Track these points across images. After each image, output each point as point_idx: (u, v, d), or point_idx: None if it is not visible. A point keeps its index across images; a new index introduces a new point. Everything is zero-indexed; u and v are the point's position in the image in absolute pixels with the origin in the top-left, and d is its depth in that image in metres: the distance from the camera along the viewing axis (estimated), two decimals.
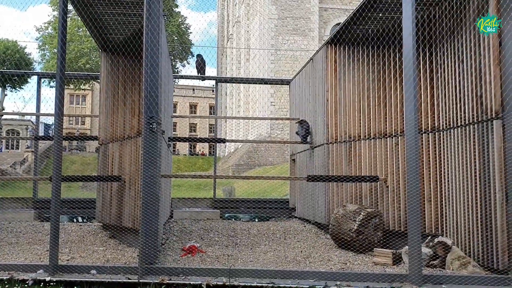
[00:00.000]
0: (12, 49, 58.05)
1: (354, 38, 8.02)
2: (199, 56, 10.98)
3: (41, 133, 63.46)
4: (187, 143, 65.30)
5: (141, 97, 7.39)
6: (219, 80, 11.71)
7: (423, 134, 6.88)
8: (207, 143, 68.64)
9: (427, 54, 7.00)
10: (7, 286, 5.13)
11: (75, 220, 9.64)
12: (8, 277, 5.35)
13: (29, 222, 9.62)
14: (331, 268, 5.88)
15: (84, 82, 54.14)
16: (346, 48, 8.30)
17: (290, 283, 5.15)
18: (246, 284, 5.15)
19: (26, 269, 5.62)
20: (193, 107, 79.79)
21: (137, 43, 6.81)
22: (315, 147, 9.00)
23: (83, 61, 47.33)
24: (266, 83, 12.83)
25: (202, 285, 5.17)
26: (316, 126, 8.99)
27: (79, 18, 7.07)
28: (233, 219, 9.85)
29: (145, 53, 5.58)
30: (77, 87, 57.08)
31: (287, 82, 11.50)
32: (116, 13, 6.65)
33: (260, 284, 5.14)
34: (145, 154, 5.54)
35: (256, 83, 15.55)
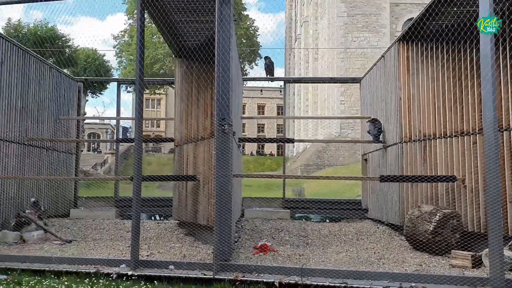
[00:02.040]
0: (92, 57, 61.91)
1: (427, 34, 7.75)
2: (267, 58, 11.12)
3: (119, 135, 66.73)
4: (256, 143, 66.19)
5: (213, 99, 7.65)
6: (287, 81, 11.77)
7: (503, 132, 6.51)
8: (275, 143, 69.24)
9: (507, 49, 6.60)
10: (94, 278, 5.54)
11: (153, 218, 10.13)
12: (94, 271, 5.78)
13: (111, 220, 10.25)
14: (405, 270, 5.73)
15: (159, 86, 56.58)
16: (419, 44, 8.04)
17: (364, 284, 5.10)
18: (319, 283, 5.18)
19: (110, 263, 6.02)
20: (261, 108, 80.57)
21: (209, 48, 7.05)
22: (387, 146, 8.79)
23: (158, 66, 49.42)
24: (336, 82, 12.73)
25: (275, 283, 5.26)
26: (388, 124, 8.78)
27: (155, 26, 7.40)
28: (304, 219, 9.85)
29: (217, 57, 5.77)
30: (152, 92, 59.66)
31: (357, 80, 11.33)
32: (190, 20, 6.93)
33: (333, 284, 5.14)
34: (217, 155, 5.72)
35: (326, 83, 15.44)
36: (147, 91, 57.15)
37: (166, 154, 55.64)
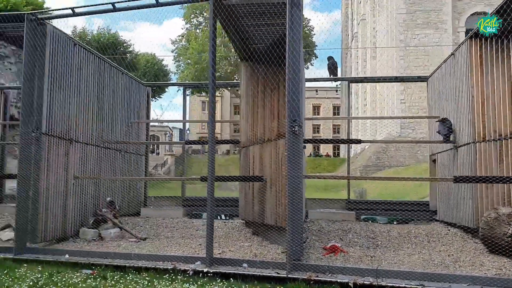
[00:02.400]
0: (151, 61, 64.30)
1: (501, 31, 7.43)
2: (330, 58, 11.08)
3: (175, 138, 68.45)
4: (311, 144, 65.70)
5: (280, 101, 7.75)
6: (351, 80, 11.67)
7: None
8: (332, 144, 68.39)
9: None
10: (172, 275, 5.79)
11: (219, 217, 10.38)
12: (172, 267, 6.04)
13: (179, 219, 10.61)
14: (485, 273, 5.54)
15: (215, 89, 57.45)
16: (493, 41, 7.73)
17: (441, 286, 5.00)
18: (394, 285, 5.13)
19: (185, 260, 6.27)
20: (316, 108, 79.97)
21: (275, 51, 7.15)
22: (459, 146, 8.50)
23: None
24: (401, 81, 12.44)
25: (349, 284, 5.26)
26: (459, 124, 8.49)
27: (224, 31, 7.61)
28: (370, 221, 9.73)
29: (288, 60, 5.85)
30: (207, 94, 60.66)
31: (424, 79, 11.02)
32: (258, 24, 7.07)
33: (409, 286, 5.08)
34: (289, 156, 5.80)
35: (391, 82, 15.12)
36: (204, 93, 58.40)
37: (221, 155, 56.63)
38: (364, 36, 48.15)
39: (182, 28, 74.02)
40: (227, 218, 10.53)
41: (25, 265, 6.24)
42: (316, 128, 77.50)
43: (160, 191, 15.72)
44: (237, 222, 9.63)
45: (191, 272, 5.90)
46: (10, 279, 5.51)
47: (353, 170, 31.46)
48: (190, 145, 53.64)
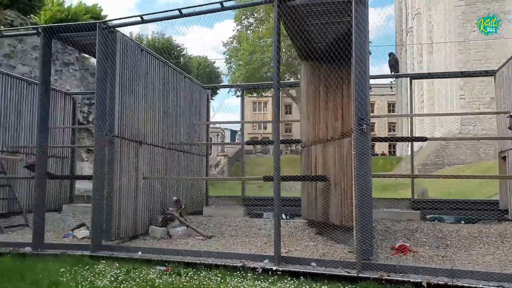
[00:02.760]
0: (203, 64, 65.68)
1: None
2: (391, 54, 10.88)
3: (227, 139, 69.43)
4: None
5: (342, 100, 7.71)
6: (413, 77, 11.38)
7: None
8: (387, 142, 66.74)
9: None
10: (242, 272, 5.92)
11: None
12: (241, 265, 6.17)
13: (240, 218, 10.79)
14: None
15: (265, 89, 57.77)
16: None
17: None
18: (471, 285, 4.99)
19: (253, 258, 6.38)
20: (370, 106, 78.43)
21: (337, 49, 7.12)
22: None
23: (265, 69, 50.64)
24: (467, 75, 11.99)
25: (423, 283, 5.17)
26: None
27: (286, 31, 7.67)
28: (436, 221, 9.45)
29: (355, 58, 5.82)
30: (259, 95, 61.01)
31: (491, 73, 10.57)
32: (321, 23, 7.07)
33: (487, 286, 4.92)
34: (358, 155, 5.77)
35: (456, 77, 14.60)
36: (255, 94, 58.82)
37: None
38: (420, 31, 46.65)
39: (233, 30, 74.94)
40: (288, 217, 10.58)
41: (103, 261, 6.58)
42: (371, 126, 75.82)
43: (217, 190, 16.02)
44: (299, 222, 9.65)
45: (260, 270, 6.00)
46: (92, 274, 5.83)
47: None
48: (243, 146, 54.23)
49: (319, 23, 7.09)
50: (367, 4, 5.93)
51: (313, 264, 6.00)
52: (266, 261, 6.26)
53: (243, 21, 58.16)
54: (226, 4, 6.69)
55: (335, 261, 5.98)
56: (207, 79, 61.26)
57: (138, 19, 7.33)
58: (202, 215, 11.13)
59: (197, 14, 6.85)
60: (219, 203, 12.07)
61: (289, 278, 5.65)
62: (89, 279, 5.58)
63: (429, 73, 13.50)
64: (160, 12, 7.07)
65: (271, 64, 51.19)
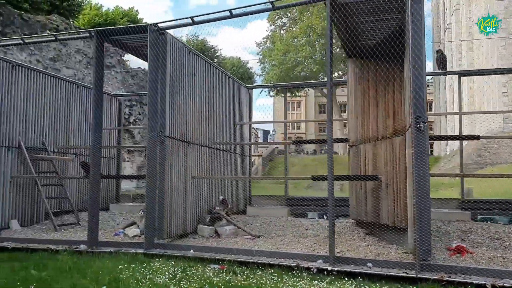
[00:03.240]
0: (236, 65, 66.14)
1: None
2: (439, 51, 10.64)
3: (260, 139, 69.73)
4: None
5: (394, 97, 7.58)
6: (462, 74, 11.09)
7: None
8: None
9: None
10: (296, 272, 5.91)
11: (324, 217, 10.37)
12: (294, 264, 6.15)
13: (285, 217, 10.77)
14: None
15: (299, 89, 57.47)
16: None
17: None
18: None
19: (306, 258, 6.35)
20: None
21: (387, 47, 7.00)
22: None
23: (299, 69, 50.45)
24: None
25: (487, 285, 5.03)
26: None
27: (336, 30, 7.59)
28: (489, 221, 9.17)
29: (411, 55, 5.71)
30: (293, 94, 60.79)
31: None
32: (372, 20, 6.97)
33: None
34: (416, 154, 5.65)
35: (509, 73, 14.13)
36: (289, 94, 58.68)
37: (308, 155, 56.41)
38: (459, 27, 45.40)
39: (266, 30, 74.80)
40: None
41: (158, 259, 6.71)
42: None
43: (264, 190, 15.93)
44: (346, 222, 9.56)
45: (314, 270, 5.97)
46: (149, 272, 5.94)
47: (452, 169, 29.84)
48: (276, 146, 54.28)
49: (370, 20, 6.99)
50: (423, 1, 5.81)
51: (369, 264, 5.92)
52: (320, 261, 6.22)
53: (276, 21, 58.21)
54: (277, 4, 6.69)
55: (391, 261, 5.89)
56: (240, 80, 61.53)
57: (189, 21, 7.43)
58: (246, 215, 11.19)
59: (246, 15, 6.88)
60: (261, 202, 12.09)
61: (346, 279, 5.59)
62: (148, 276, 5.68)
63: (478, 70, 13.11)
64: (212, 13, 7.14)
65: (305, 63, 50.96)
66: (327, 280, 5.57)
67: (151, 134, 7.58)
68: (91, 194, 7.80)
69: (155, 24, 7.76)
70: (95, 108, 7.87)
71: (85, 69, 19.41)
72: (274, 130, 75.09)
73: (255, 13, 6.93)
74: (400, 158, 7.06)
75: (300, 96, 72.62)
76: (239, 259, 6.51)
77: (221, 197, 9.51)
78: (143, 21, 40.24)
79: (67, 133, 11.35)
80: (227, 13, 7.04)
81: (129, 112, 21.15)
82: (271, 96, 71.03)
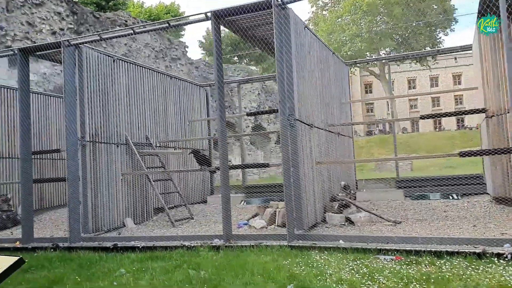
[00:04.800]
0: None
1: None
2: None
3: None
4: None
5: None
6: None
7: None
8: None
9: None
10: (482, 259, 5.23)
11: (450, 197, 9.60)
12: (479, 251, 5.44)
13: (402, 201, 10.02)
14: None
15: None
16: None
17: None
18: None
19: (488, 243, 5.65)
20: (456, 78, 73.80)
21: None
22: None
23: (346, 48, 48.98)
24: None
25: None
26: None
27: None
28: None
29: None
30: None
31: None
32: None
33: None
34: None
35: None
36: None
37: (362, 137, 54.93)
38: None
39: (308, 13, 73.37)
40: (458, 197, 9.69)
41: (313, 251, 6.20)
42: (459, 100, 72.06)
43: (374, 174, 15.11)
44: (483, 201, 8.74)
45: (509, 256, 5.26)
46: (321, 265, 5.42)
47: None
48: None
49: None
50: None
51: None
52: (507, 245, 5.50)
53: (317, 2, 56.86)
54: None
55: None
56: None
57: None
58: (357, 200, 10.53)
59: None
60: (368, 187, 11.39)
61: None
62: (327, 272, 5.13)
63: None
64: None
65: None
66: None
67: (282, 117, 7.02)
68: (222, 187, 7.36)
69: None
70: (219, 98, 7.37)
71: (153, 63, 19.22)
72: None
73: None
74: None
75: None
76: (408, 248, 5.85)
77: (342, 183, 8.91)
78: (184, 14, 40.14)
79: (166, 126, 11.03)
80: None
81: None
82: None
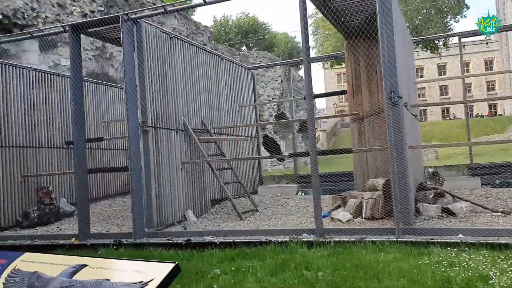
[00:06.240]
0: (284, 40, 64.35)
1: None
2: None
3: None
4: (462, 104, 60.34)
5: None
6: None
7: None
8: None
9: None
10: None
11: None
12: None
13: (479, 189, 9.22)
14: None
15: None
16: None
17: None
18: None
19: None
20: (464, 66, 73.17)
21: None
22: None
23: None
24: None
25: None
26: None
27: None
28: None
29: None
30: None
31: None
32: None
33: None
34: None
35: None
36: (338, 65, 56.12)
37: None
38: None
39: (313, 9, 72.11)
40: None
41: (431, 247, 5.41)
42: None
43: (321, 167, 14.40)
44: None
45: None
46: (465, 263, 4.62)
47: None
48: (338, 120, 52.36)
49: None
50: None
51: None
52: None
53: None
54: None
55: None
56: (288, 55, 59.84)
57: None
58: None
59: None
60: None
61: None
62: (488, 274, 4.30)
63: None
64: None
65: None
66: None
67: (386, 96, 6.18)
68: (313, 178, 6.53)
69: None
70: (306, 73, 6.51)
71: None
72: (325, 109, 73.18)
73: None
74: None
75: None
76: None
77: (431, 170, 8.08)
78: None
79: (219, 111, 10.17)
80: None
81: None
82: (325, 69, 68.82)
